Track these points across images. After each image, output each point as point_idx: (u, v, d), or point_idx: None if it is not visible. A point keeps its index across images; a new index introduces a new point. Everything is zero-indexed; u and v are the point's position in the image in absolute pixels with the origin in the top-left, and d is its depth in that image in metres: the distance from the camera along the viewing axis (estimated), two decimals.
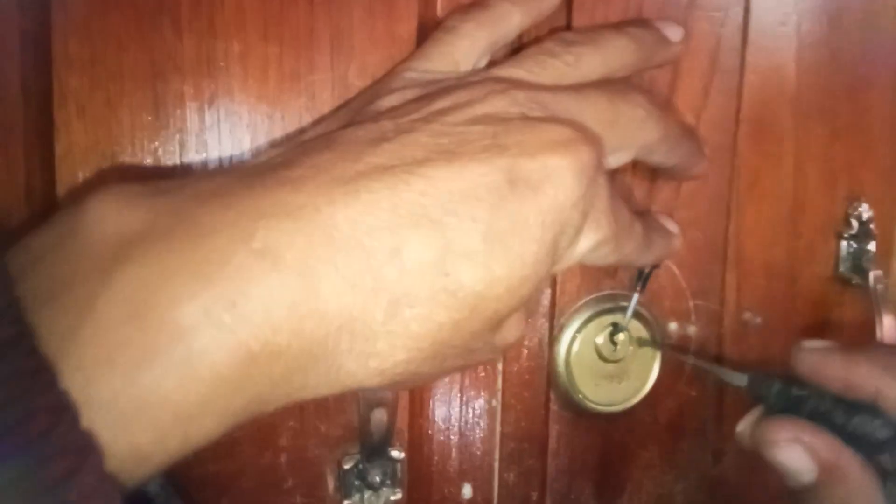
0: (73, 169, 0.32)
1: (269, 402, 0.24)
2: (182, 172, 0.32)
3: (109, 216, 0.23)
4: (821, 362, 0.34)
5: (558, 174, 0.26)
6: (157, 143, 0.32)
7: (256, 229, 0.23)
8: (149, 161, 0.32)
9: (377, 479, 0.35)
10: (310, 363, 0.23)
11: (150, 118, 0.32)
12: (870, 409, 0.32)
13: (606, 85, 0.32)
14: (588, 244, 0.29)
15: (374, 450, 0.35)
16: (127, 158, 0.32)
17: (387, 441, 0.35)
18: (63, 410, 0.20)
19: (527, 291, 0.27)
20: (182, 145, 0.32)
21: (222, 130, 0.33)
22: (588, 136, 0.28)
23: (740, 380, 0.36)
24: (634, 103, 0.31)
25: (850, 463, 0.32)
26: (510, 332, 0.29)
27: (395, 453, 0.36)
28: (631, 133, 0.31)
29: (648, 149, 0.33)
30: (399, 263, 0.24)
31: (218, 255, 0.22)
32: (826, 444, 0.32)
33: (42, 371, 0.20)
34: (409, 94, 0.30)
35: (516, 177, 0.26)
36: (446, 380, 0.39)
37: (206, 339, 0.21)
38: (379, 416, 0.33)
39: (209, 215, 0.23)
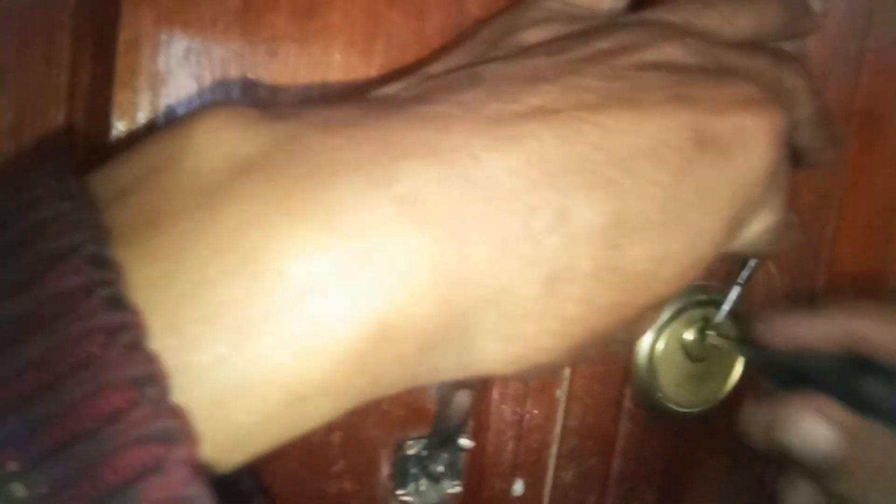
0: (133, 67, 0.26)
1: (391, 384, 0.19)
2: (266, 89, 0.27)
3: (220, 142, 0.18)
4: (775, 327, 0.32)
5: (754, 138, 0.22)
6: (241, 46, 0.26)
7: (399, 171, 0.18)
8: (231, 69, 0.26)
9: (440, 468, 0.31)
10: (446, 341, 0.19)
11: (236, 16, 0.26)
12: (873, 370, 0.31)
13: (766, 47, 0.28)
14: (761, 227, 0.24)
15: (446, 437, 0.30)
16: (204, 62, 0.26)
17: (462, 428, 0.30)
18: (148, 382, 0.15)
19: (694, 275, 0.23)
20: (271, 55, 0.27)
21: (314, 44, 0.27)
22: (777, 99, 0.24)
23: (748, 352, 0.34)
24: (794, 72, 0.27)
25: (871, 431, 0.30)
26: (647, 323, 0.25)
27: (463, 442, 0.31)
28: (788, 104, 0.27)
29: (798, 124, 0.29)
30: (565, 230, 0.20)
31: (353, 198, 0.18)
32: (845, 416, 0.30)
33: (124, 328, 0.16)
34: (557, 28, 0.25)
35: (705, 136, 0.21)
36: None
37: (334, 304, 0.17)
38: (462, 399, 0.29)
39: (341, 148, 0.18)
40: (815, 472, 0.32)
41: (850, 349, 0.31)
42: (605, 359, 0.34)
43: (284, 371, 0.17)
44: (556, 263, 0.20)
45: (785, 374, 0.32)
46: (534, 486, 0.37)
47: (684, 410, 0.36)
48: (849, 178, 0.39)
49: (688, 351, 0.36)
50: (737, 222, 0.23)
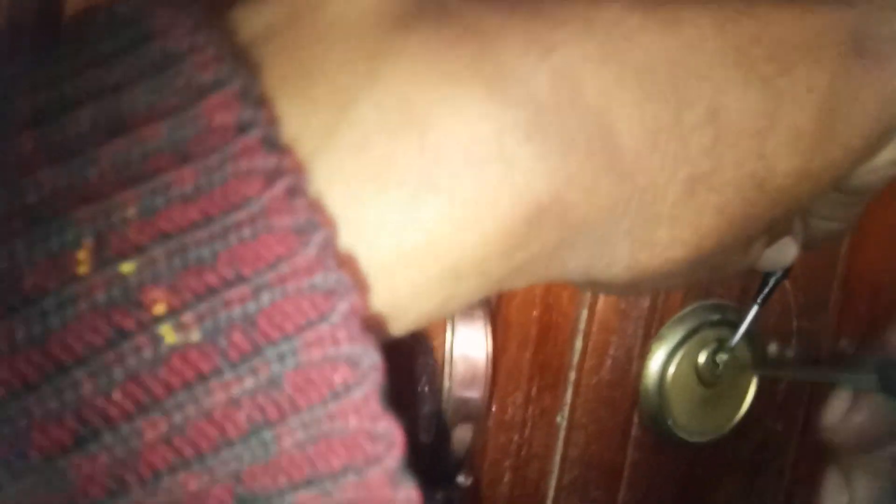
0: None
1: (524, 276, 0.18)
2: None
3: None
4: None
5: None
6: None
7: (554, 43, 0.17)
8: None
9: None
10: (583, 236, 0.18)
11: None
12: None
13: None
14: (891, 157, 0.22)
15: (444, 475, 0.27)
16: None
17: (461, 466, 0.27)
18: (311, 230, 0.14)
19: (818, 196, 0.21)
20: None
21: None
22: None
23: (868, 381, 0.30)
24: None
25: None
26: (756, 250, 0.23)
27: (461, 480, 0.28)
28: None
29: None
30: (713, 130, 0.18)
31: (512, 66, 0.16)
32: None
33: (284, 171, 0.14)
34: None
35: (864, 40, 0.20)
36: (509, 387, 0.32)
37: (497, 177, 0.16)
38: (463, 434, 0.26)
39: (490, 15, 0.17)
40: None
41: None
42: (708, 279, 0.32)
43: (445, 242, 0.16)
44: (698, 166, 0.18)
45: None
46: None
47: (696, 439, 0.34)
48: None
49: (701, 375, 0.33)
50: (876, 143, 0.21)
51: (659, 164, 0.18)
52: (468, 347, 0.27)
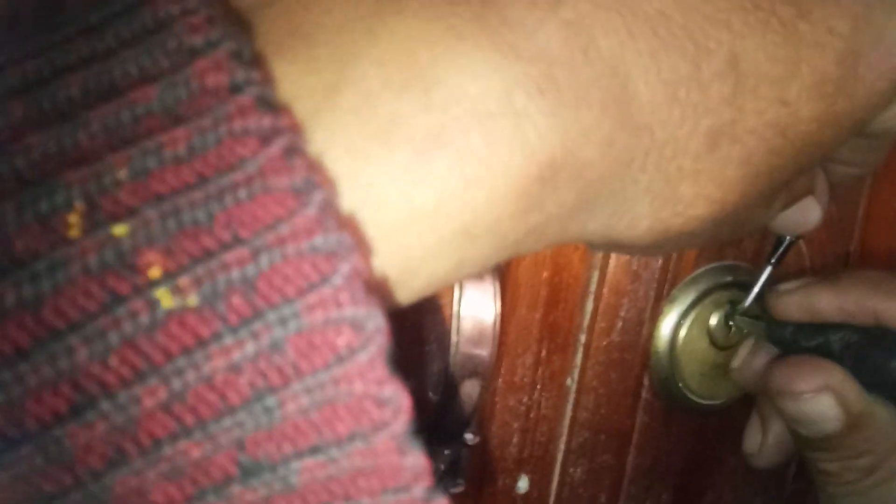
0: None
1: (541, 238, 0.18)
2: None
3: None
4: (786, 300, 0.31)
5: None
6: None
7: None
8: None
9: (441, 466, 0.28)
10: (601, 196, 0.18)
11: None
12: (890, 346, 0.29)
13: None
14: None
15: (451, 431, 0.27)
16: None
17: (468, 422, 0.27)
18: (310, 190, 0.13)
19: (841, 142, 0.20)
20: None
21: None
22: None
23: (759, 330, 0.32)
24: None
25: (875, 408, 0.30)
26: (781, 203, 0.23)
27: (468, 437, 0.28)
28: None
29: None
30: (734, 77, 0.18)
31: (519, 18, 0.16)
32: (854, 392, 0.29)
33: (280, 131, 0.14)
34: None
35: None
36: (518, 348, 0.32)
37: (507, 134, 0.16)
38: (470, 389, 0.25)
39: None
40: (803, 439, 0.31)
41: (867, 322, 0.30)
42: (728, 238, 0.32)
43: (456, 200, 0.15)
44: (720, 116, 0.18)
45: (801, 349, 0.31)
46: (540, 483, 0.34)
47: (706, 403, 0.34)
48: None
49: (713, 337, 0.33)
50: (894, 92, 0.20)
51: (679, 117, 0.17)
52: (476, 307, 0.27)
